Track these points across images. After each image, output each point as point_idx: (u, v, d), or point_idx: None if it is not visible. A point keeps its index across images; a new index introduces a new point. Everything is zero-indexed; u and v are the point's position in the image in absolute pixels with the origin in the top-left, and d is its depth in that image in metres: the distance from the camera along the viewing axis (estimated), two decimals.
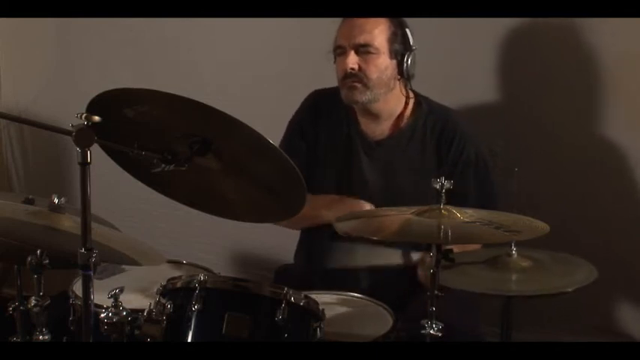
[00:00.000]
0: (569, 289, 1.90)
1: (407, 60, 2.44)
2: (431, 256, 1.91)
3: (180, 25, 3.15)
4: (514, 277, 1.99)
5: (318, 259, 2.58)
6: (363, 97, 2.43)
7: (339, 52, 2.45)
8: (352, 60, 2.40)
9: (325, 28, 2.51)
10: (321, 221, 2.49)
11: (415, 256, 2.38)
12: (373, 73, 2.41)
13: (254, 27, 3.06)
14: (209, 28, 3.15)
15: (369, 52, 2.40)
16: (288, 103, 2.70)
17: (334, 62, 2.49)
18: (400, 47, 2.44)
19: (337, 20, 2.48)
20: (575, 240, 2.66)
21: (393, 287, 2.39)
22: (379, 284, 2.45)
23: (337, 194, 2.55)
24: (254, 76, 3.17)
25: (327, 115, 2.58)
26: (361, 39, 2.40)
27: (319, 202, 2.46)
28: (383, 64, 2.42)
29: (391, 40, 2.42)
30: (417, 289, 2.33)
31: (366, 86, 2.42)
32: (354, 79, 2.42)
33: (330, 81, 2.54)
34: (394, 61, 2.44)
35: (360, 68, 2.41)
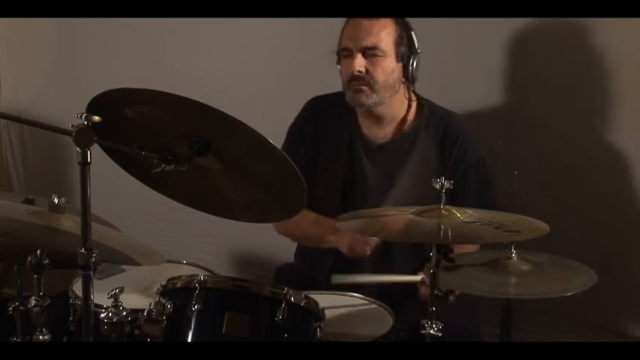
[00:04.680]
0: (568, 294, 1.90)
1: (412, 63, 2.44)
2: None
3: (181, 26, 3.15)
4: (514, 280, 1.98)
5: (321, 260, 2.58)
6: (369, 99, 2.43)
7: (345, 54, 2.45)
8: (359, 62, 2.40)
9: (327, 29, 2.51)
10: (326, 245, 2.49)
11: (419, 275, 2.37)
12: (380, 76, 2.41)
13: (255, 27, 3.06)
14: (210, 28, 3.14)
15: (376, 55, 2.40)
16: (288, 104, 2.70)
17: (337, 63, 2.49)
18: (406, 50, 2.43)
19: (339, 20, 2.48)
20: (576, 240, 2.67)
21: (393, 287, 2.39)
22: (380, 284, 2.45)
23: (340, 199, 2.55)
24: (255, 76, 3.17)
25: (328, 120, 2.58)
26: (368, 41, 2.39)
27: (326, 225, 2.46)
28: (389, 66, 2.42)
29: (398, 43, 2.42)
30: (416, 290, 2.33)
31: (372, 89, 2.42)
32: (361, 81, 2.41)
33: (331, 82, 2.54)
34: (400, 64, 2.44)
35: (366, 71, 2.40)
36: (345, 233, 2.40)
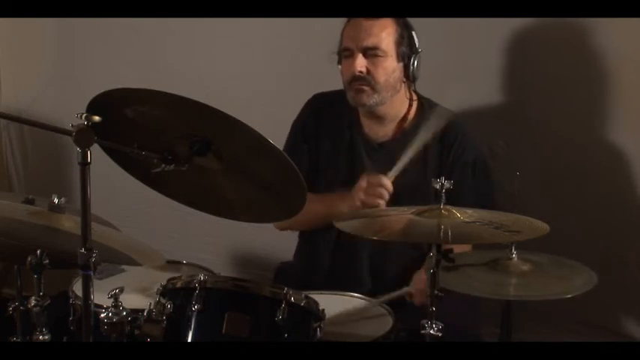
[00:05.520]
0: (568, 296, 1.89)
1: (413, 62, 2.44)
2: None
3: (181, 26, 3.15)
4: (514, 280, 1.98)
5: (320, 259, 2.59)
6: (371, 100, 2.43)
7: (346, 54, 2.45)
8: (360, 63, 2.40)
9: (327, 29, 2.51)
10: (339, 217, 2.47)
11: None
12: (381, 76, 2.41)
13: (255, 27, 3.06)
14: (210, 28, 3.14)
15: (376, 55, 2.40)
16: (288, 104, 2.70)
17: (338, 63, 2.49)
18: (407, 50, 2.44)
19: (339, 20, 2.48)
20: (576, 240, 2.67)
21: (393, 287, 2.39)
22: (380, 284, 2.45)
23: None
24: (255, 76, 3.17)
25: (329, 118, 2.58)
26: (369, 42, 2.39)
27: (331, 198, 2.45)
28: (390, 66, 2.42)
29: (398, 43, 2.42)
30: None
31: (373, 89, 2.42)
32: (362, 82, 2.41)
33: (331, 83, 2.54)
34: (401, 64, 2.44)
35: (367, 71, 2.40)
36: (353, 196, 2.36)
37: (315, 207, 2.41)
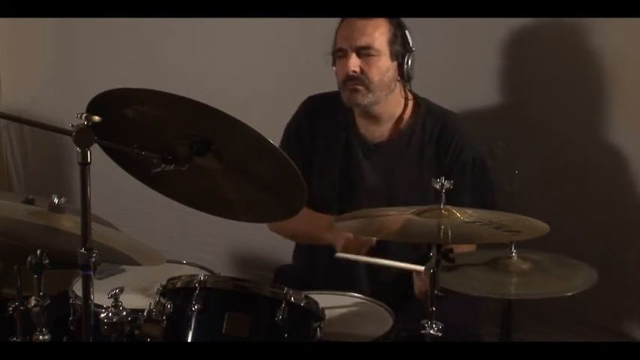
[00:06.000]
0: (569, 294, 1.89)
1: (407, 61, 2.44)
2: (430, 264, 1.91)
3: (181, 26, 3.15)
4: (514, 280, 1.98)
5: (318, 260, 2.58)
6: (365, 99, 2.43)
7: (340, 54, 2.45)
8: (354, 63, 2.40)
9: (326, 29, 2.51)
10: (321, 242, 2.49)
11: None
12: (375, 76, 2.41)
13: (255, 27, 3.06)
14: (210, 28, 3.14)
15: (370, 55, 2.40)
16: (288, 104, 2.70)
17: (332, 64, 2.49)
18: (400, 49, 2.44)
19: (339, 20, 2.48)
20: (576, 240, 2.67)
21: (393, 287, 2.39)
22: (379, 284, 2.45)
23: (338, 199, 2.55)
24: (255, 76, 3.17)
25: (324, 120, 2.58)
26: (362, 41, 2.39)
27: (321, 222, 2.46)
28: (384, 66, 2.42)
29: (392, 42, 2.42)
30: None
31: (367, 89, 2.42)
32: (356, 82, 2.41)
33: (331, 83, 2.54)
34: (395, 63, 2.44)
35: (361, 71, 2.40)
36: (341, 231, 2.40)
37: (301, 225, 2.44)
